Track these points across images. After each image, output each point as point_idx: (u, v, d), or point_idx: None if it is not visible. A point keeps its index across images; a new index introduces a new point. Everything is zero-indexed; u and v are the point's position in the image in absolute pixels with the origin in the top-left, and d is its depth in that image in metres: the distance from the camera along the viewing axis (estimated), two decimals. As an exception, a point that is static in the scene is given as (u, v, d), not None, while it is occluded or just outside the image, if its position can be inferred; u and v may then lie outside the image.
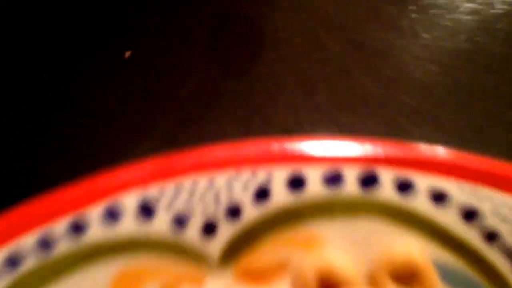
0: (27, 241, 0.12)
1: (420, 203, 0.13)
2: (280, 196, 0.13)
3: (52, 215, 0.12)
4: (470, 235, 0.13)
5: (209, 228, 0.13)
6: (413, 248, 0.13)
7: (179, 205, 0.13)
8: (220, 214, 0.13)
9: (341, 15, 0.32)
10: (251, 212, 0.13)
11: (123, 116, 0.28)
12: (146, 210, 0.13)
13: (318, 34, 0.31)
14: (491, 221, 0.13)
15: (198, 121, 0.27)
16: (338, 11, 0.32)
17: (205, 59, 0.30)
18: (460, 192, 0.13)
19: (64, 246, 0.13)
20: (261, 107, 0.28)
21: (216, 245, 0.13)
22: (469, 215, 0.13)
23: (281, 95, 0.28)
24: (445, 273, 0.13)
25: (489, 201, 0.13)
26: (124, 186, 0.12)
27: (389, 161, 0.13)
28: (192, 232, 0.13)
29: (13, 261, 0.12)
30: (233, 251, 0.13)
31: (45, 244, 0.12)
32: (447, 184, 0.13)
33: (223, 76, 0.29)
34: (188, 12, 0.33)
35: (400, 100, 0.27)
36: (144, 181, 0.13)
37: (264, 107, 0.28)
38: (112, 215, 0.13)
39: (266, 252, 0.13)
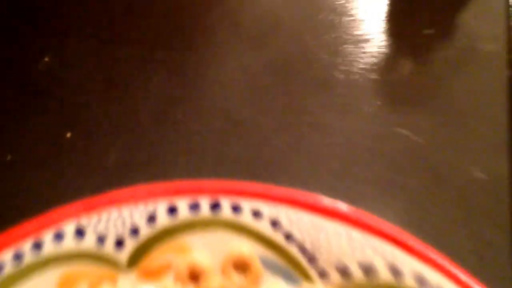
0: (7, 254, 0.20)
1: (249, 219, 0.22)
2: (163, 219, 0.22)
3: (20, 238, 0.21)
4: (278, 237, 0.22)
5: (119, 243, 0.21)
6: (245, 249, 0.22)
7: (100, 229, 0.21)
8: (126, 233, 0.21)
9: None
10: (145, 231, 0.22)
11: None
12: (80, 233, 0.21)
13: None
14: (286, 226, 0.22)
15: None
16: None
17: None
18: (269, 209, 0.22)
19: (29, 258, 0.21)
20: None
21: (124, 254, 0.22)
22: (274, 223, 0.22)
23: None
24: (266, 263, 0.22)
25: (284, 214, 0.22)
26: (65, 217, 0.21)
27: (227, 192, 0.22)
28: (109, 246, 0.21)
29: (-3, 267, 0.20)
30: (136, 258, 0.22)
31: (17, 256, 0.20)
32: (262, 205, 0.22)
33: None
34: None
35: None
36: (78, 214, 0.21)
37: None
38: (59, 236, 0.21)
39: (157, 257, 0.22)
